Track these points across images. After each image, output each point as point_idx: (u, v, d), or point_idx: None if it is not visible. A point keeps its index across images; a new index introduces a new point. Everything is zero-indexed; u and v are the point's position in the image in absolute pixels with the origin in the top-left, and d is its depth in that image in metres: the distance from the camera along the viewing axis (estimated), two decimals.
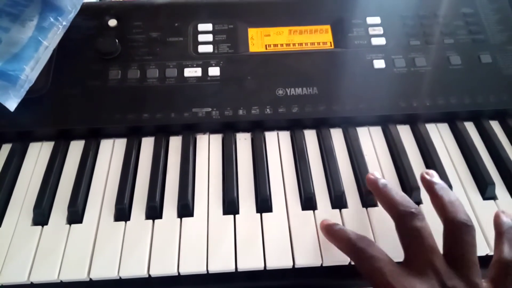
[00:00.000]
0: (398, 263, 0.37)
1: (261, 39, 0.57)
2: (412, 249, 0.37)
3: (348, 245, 0.39)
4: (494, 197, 0.47)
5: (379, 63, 0.55)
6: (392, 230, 0.43)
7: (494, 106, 0.53)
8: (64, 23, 0.54)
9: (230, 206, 0.46)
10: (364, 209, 0.46)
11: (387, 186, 0.41)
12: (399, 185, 0.48)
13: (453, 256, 0.36)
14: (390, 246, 0.42)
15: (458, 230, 0.37)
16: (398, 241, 0.42)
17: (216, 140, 0.52)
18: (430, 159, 0.49)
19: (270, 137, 0.52)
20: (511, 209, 0.45)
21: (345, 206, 0.46)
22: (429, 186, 0.41)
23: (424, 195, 0.47)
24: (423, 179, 0.42)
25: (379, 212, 0.45)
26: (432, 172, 0.43)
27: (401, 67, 0.55)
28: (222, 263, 0.42)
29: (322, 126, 0.53)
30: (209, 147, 0.51)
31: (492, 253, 0.42)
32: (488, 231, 0.44)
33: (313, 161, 0.50)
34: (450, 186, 0.47)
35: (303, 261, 0.42)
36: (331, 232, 0.41)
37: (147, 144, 0.52)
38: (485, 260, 0.42)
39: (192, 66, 0.54)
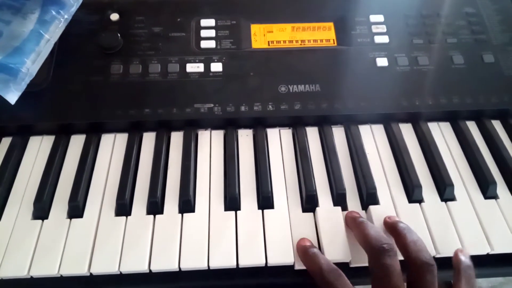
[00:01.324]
0: None
1: (264, 36, 0.57)
2: (378, 284, 0.38)
3: (319, 275, 0.39)
4: (495, 196, 0.47)
5: (382, 61, 0.55)
6: None
7: (496, 106, 0.53)
8: (66, 16, 0.54)
9: (232, 203, 0.46)
10: (365, 207, 0.46)
11: (363, 222, 0.42)
12: (401, 184, 0.48)
13: None
14: None
15: (420, 269, 0.38)
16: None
17: (218, 136, 0.52)
18: (432, 158, 0.49)
19: (272, 134, 0.52)
20: None
21: (347, 204, 0.46)
22: (393, 227, 0.42)
23: (426, 193, 0.47)
24: (385, 223, 0.44)
25: (381, 210, 0.45)
26: (394, 216, 0.44)
27: (404, 66, 0.55)
28: (223, 259, 0.42)
29: (324, 123, 0.53)
30: (210, 143, 0.51)
31: (493, 252, 0.43)
32: (490, 230, 0.44)
33: (315, 159, 0.50)
34: (452, 185, 0.47)
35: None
36: (306, 256, 0.41)
37: (149, 139, 0.51)
38: (486, 259, 0.42)
39: (195, 62, 0.54)
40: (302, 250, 0.42)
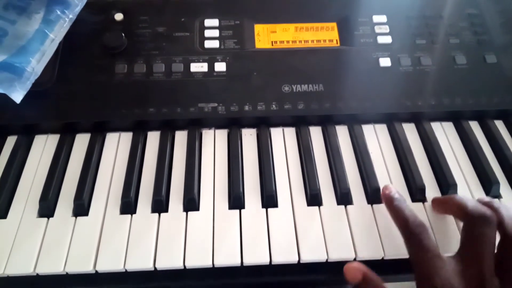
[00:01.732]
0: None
1: (267, 36, 0.57)
2: (469, 251, 0.37)
3: (404, 227, 0.39)
4: (498, 196, 0.47)
5: (385, 61, 0.55)
6: (396, 227, 0.44)
7: (499, 106, 0.53)
8: (70, 16, 0.54)
9: (236, 201, 0.46)
10: (369, 205, 0.46)
11: (456, 195, 0.42)
12: (405, 184, 0.48)
13: (504, 269, 0.37)
14: (394, 242, 0.43)
15: None
16: (403, 238, 0.43)
17: (221, 135, 0.52)
18: (435, 157, 0.49)
19: (276, 133, 0.53)
20: None
21: (351, 203, 0.46)
22: (488, 203, 0.41)
23: (429, 192, 0.47)
24: (480, 200, 0.42)
25: (384, 209, 0.45)
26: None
27: (406, 66, 0.55)
28: (227, 258, 0.42)
29: (327, 123, 0.53)
30: (214, 142, 0.52)
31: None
32: None
33: (318, 158, 0.50)
34: (455, 185, 0.47)
35: (308, 257, 0.42)
36: (390, 207, 0.42)
37: (153, 138, 0.52)
38: None
39: (198, 61, 0.54)
40: (387, 199, 0.43)
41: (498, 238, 0.39)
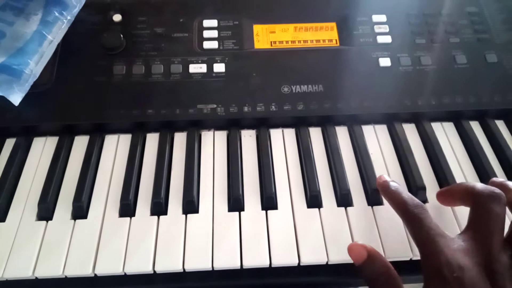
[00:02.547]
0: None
1: (266, 36, 0.57)
2: (478, 227, 0.37)
3: (403, 209, 0.39)
4: None
5: (385, 61, 0.55)
6: (397, 229, 0.44)
7: (500, 106, 0.53)
8: (68, 17, 0.54)
9: (235, 203, 0.46)
10: (370, 207, 0.46)
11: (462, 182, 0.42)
12: (405, 184, 0.48)
13: None
14: (396, 244, 0.43)
15: None
16: (403, 239, 0.43)
17: (221, 136, 0.52)
18: (436, 158, 0.49)
19: (275, 134, 0.52)
20: None
21: (351, 204, 0.46)
22: (501, 184, 0.40)
23: (429, 193, 0.47)
24: (492, 182, 0.41)
25: (385, 211, 0.45)
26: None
27: (406, 66, 0.55)
28: (227, 260, 0.42)
29: (327, 123, 0.53)
30: (214, 144, 0.51)
31: None
32: None
33: (318, 159, 0.50)
34: None
35: (308, 259, 0.42)
36: (387, 192, 0.42)
37: (152, 140, 0.51)
38: None
39: (197, 62, 0.54)
40: (383, 187, 0.42)
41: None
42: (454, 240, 0.36)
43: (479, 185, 0.39)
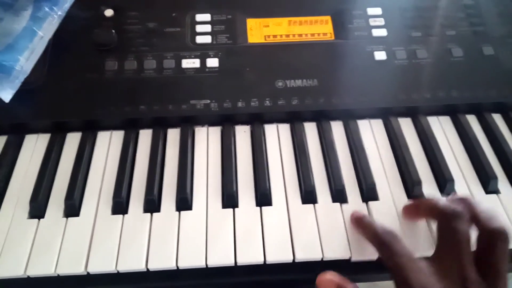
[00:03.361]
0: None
1: (260, 30, 0.56)
2: (445, 248, 0.37)
3: (375, 238, 0.39)
4: (496, 191, 0.47)
5: (380, 55, 0.54)
6: (392, 224, 0.43)
7: (496, 99, 0.52)
8: (59, 13, 0.53)
9: (229, 200, 0.45)
10: (365, 203, 0.45)
11: (426, 199, 0.43)
12: (400, 179, 0.47)
13: (485, 264, 0.36)
14: None
15: (491, 236, 0.36)
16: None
17: (215, 132, 0.51)
18: (432, 152, 0.49)
19: (270, 130, 0.52)
20: None
21: (346, 200, 0.46)
22: (461, 199, 0.40)
23: (426, 188, 0.46)
24: (452, 198, 0.42)
25: (380, 206, 0.45)
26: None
27: (402, 59, 0.54)
28: (221, 257, 0.41)
29: (322, 118, 0.52)
30: (207, 140, 0.51)
31: None
32: None
33: (313, 154, 0.49)
34: (453, 180, 0.46)
35: (303, 256, 0.42)
36: (361, 225, 0.42)
37: (145, 137, 0.51)
38: None
39: (190, 57, 0.53)
40: (357, 219, 0.42)
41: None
42: (426, 264, 0.36)
43: (442, 203, 0.39)
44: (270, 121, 0.52)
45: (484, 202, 0.44)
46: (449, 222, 0.37)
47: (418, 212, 0.43)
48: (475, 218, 0.38)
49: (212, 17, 0.56)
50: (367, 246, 0.41)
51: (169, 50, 0.54)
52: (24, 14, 0.52)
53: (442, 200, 0.40)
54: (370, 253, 0.41)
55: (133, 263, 0.41)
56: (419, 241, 0.43)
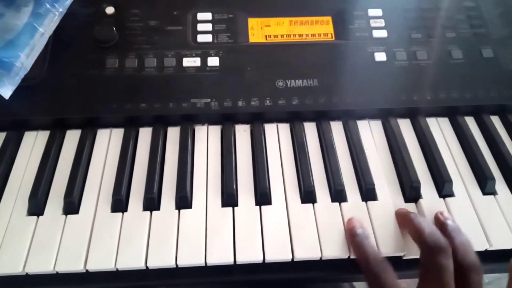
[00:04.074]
0: None
1: (261, 30, 0.56)
2: (429, 282, 0.38)
3: (365, 264, 0.39)
4: (494, 193, 0.47)
5: (380, 56, 0.54)
6: (392, 225, 0.44)
7: (495, 101, 0.53)
8: (60, 9, 0.53)
9: (229, 199, 0.45)
10: (364, 203, 0.46)
11: (416, 217, 0.42)
12: (397, 179, 0.48)
13: None
14: (389, 240, 0.43)
15: (467, 271, 0.38)
16: (397, 234, 0.43)
17: (215, 131, 0.52)
18: (431, 153, 0.49)
19: (270, 129, 0.52)
20: (511, 204, 0.45)
21: (345, 200, 0.46)
22: (443, 226, 0.41)
23: (424, 189, 0.47)
24: (436, 219, 0.43)
25: (379, 206, 0.45)
26: (446, 213, 0.44)
27: (402, 60, 0.54)
28: (220, 256, 0.42)
29: (322, 118, 0.52)
30: (207, 139, 0.51)
31: (491, 249, 0.43)
32: (488, 226, 0.44)
33: (313, 154, 0.49)
34: (451, 181, 0.46)
35: (302, 255, 0.42)
36: (352, 241, 0.41)
37: (145, 135, 0.51)
38: (484, 256, 0.42)
39: (191, 56, 0.53)
40: (350, 234, 0.42)
41: None
42: None
43: (428, 232, 0.39)
44: (270, 121, 0.52)
45: (482, 204, 0.45)
46: (433, 257, 0.38)
47: (404, 226, 0.43)
48: (453, 252, 0.39)
49: (213, 16, 0.56)
50: None
51: (170, 48, 0.54)
52: (25, 10, 0.51)
53: (428, 227, 0.40)
54: None
55: (132, 261, 0.41)
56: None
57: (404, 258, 0.43)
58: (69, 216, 0.44)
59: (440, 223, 0.42)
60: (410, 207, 0.46)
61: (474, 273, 0.38)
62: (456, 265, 0.38)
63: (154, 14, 0.56)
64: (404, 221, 0.43)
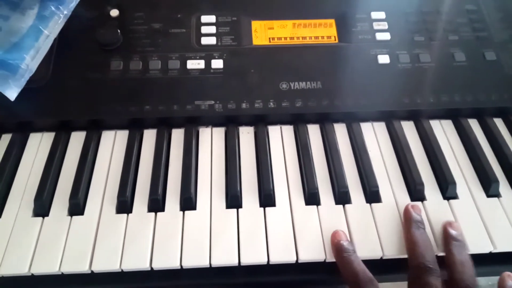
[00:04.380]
0: None
1: (265, 32, 0.56)
2: None
3: (352, 282, 0.39)
4: (497, 195, 0.47)
5: (384, 58, 0.54)
6: (395, 227, 0.44)
7: (498, 104, 0.53)
8: (65, 12, 0.53)
9: (233, 200, 0.45)
10: (368, 205, 0.46)
11: (417, 228, 0.42)
12: (403, 182, 0.48)
13: None
14: (393, 242, 0.43)
15: None
16: (401, 237, 0.43)
17: (219, 133, 0.52)
18: (434, 155, 0.49)
19: (273, 131, 0.52)
20: None
21: (349, 202, 0.46)
22: (447, 239, 0.42)
23: (428, 191, 0.47)
24: (444, 230, 0.43)
25: (383, 208, 0.45)
26: (456, 225, 0.43)
27: (405, 63, 0.54)
28: (225, 257, 0.42)
29: (325, 120, 0.52)
30: (211, 141, 0.51)
31: (495, 251, 0.43)
32: (492, 228, 0.44)
33: (316, 156, 0.50)
34: (455, 183, 0.46)
35: (306, 256, 0.42)
36: (339, 257, 0.41)
37: (149, 137, 0.51)
38: (488, 258, 0.42)
39: (195, 58, 0.54)
40: (336, 248, 0.41)
41: None
42: None
43: (418, 253, 0.40)
44: (274, 123, 0.53)
45: (486, 206, 0.45)
46: (421, 276, 0.38)
47: (403, 226, 0.44)
48: (450, 266, 0.39)
49: (217, 19, 0.56)
50: (369, 247, 0.42)
51: (174, 51, 0.54)
52: (31, 13, 0.52)
53: (422, 243, 0.40)
54: (372, 253, 0.42)
55: (137, 262, 0.41)
56: None
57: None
58: (74, 217, 0.44)
59: (445, 236, 0.42)
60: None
61: None
62: (450, 282, 0.39)
63: (158, 17, 0.56)
64: (405, 224, 0.43)
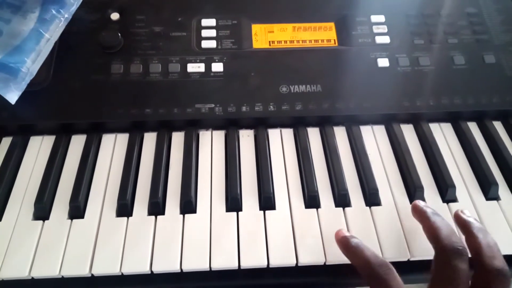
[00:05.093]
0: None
1: (265, 36, 0.57)
2: (442, 285, 0.36)
3: (366, 268, 0.37)
4: (497, 198, 0.47)
5: (383, 62, 0.55)
6: (395, 230, 0.44)
7: (498, 107, 0.53)
8: (66, 15, 0.53)
9: (233, 203, 0.46)
10: (368, 208, 0.46)
11: (434, 215, 0.40)
12: (403, 185, 0.48)
13: None
14: (393, 245, 0.43)
15: (491, 277, 0.35)
16: (401, 239, 0.43)
17: (219, 136, 0.52)
18: (434, 158, 0.49)
19: (273, 134, 0.52)
20: None
21: (349, 205, 0.46)
22: (465, 225, 0.40)
23: (427, 194, 0.47)
24: (457, 217, 0.41)
25: (383, 211, 0.45)
26: (467, 211, 0.42)
27: (405, 66, 0.55)
28: (225, 260, 0.42)
29: (325, 124, 0.53)
30: (212, 144, 0.51)
31: None
32: (491, 231, 0.43)
33: (316, 159, 0.50)
34: (454, 186, 0.47)
35: (306, 259, 0.42)
36: (348, 248, 0.40)
37: (150, 140, 0.51)
38: None
39: (195, 62, 0.54)
40: (343, 243, 0.40)
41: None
42: None
43: (445, 233, 0.37)
44: (274, 126, 0.53)
45: (485, 209, 0.46)
46: (449, 259, 0.36)
47: (420, 221, 0.42)
48: (476, 250, 0.37)
49: (217, 22, 0.57)
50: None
51: (175, 54, 0.54)
52: (32, 16, 0.52)
53: (445, 228, 0.38)
54: None
55: (137, 265, 0.41)
56: (420, 245, 0.43)
57: (411, 259, 0.43)
58: (74, 220, 0.45)
59: (462, 222, 0.40)
60: None
61: (498, 282, 0.34)
62: (478, 268, 0.36)
63: (159, 20, 0.56)
64: (420, 217, 0.41)
